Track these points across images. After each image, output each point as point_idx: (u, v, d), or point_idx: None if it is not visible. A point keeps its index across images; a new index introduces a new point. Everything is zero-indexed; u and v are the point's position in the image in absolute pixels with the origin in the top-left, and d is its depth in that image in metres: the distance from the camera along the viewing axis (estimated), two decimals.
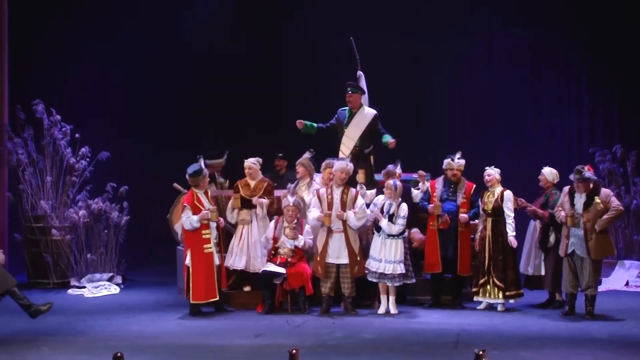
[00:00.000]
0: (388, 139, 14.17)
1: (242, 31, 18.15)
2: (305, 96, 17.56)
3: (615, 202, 12.81)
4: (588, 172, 12.79)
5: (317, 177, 14.11)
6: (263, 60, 18.19)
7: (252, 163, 13.88)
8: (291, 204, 13.36)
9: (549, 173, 13.65)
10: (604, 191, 12.94)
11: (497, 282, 13.27)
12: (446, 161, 13.62)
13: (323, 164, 13.86)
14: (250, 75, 18.09)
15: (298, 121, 14.36)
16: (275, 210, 13.91)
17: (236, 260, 13.75)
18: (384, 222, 13.06)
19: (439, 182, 13.70)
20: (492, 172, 13.41)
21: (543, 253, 13.55)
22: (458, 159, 13.57)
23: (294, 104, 17.33)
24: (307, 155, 14.09)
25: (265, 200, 13.73)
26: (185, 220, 13.09)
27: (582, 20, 17.14)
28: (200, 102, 17.90)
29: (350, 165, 13.43)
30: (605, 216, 12.69)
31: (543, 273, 13.62)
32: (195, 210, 13.10)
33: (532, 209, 13.50)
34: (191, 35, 17.94)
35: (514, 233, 13.20)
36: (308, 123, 14.36)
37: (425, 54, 17.51)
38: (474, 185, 13.61)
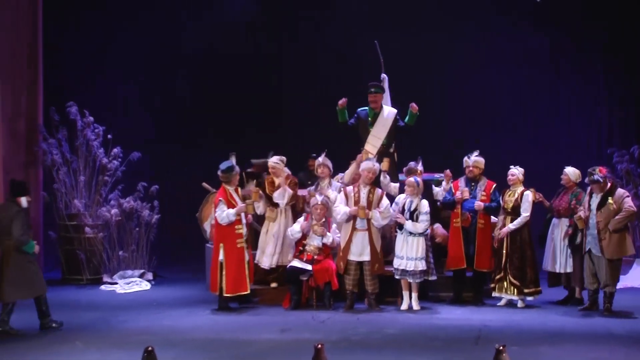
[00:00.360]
0: (408, 115, 14.17)
1: (261, 31, 18.05)
2: (305, 96, 17.45)
3: (628, 202, 12.76)
4: (598, 174, 12.76)
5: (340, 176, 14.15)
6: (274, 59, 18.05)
7: (274, 162, 13.88)
8: (319, 203, 13.38)
9: (572, 173, 13.57)
10: (619, 192, 12.90)
11: (512, 280, 13.25)
12: (464, 159, 13.64)
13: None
14: (271, 75, 18.00)
15: (344, 99, 14.27)
16: (300, 209, 13.92)
17: (263, 257, 13.84)
18: (409, 225, 13.05)
19: (461, 182, 13.73)
20: (516, 172, 13.40)
21: (571, 250, 13.42)
22: (475, 156, 13.58)
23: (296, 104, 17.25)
24: (324, 155, 14.05)
25: (289, 190, 13.71)
26: (221, 213, 13.08)
27: (599, 21, 17.03)
28: (229, 104, 17.87)
29: (377, 165, 13.46)
30: (617, 216, 12.66)
31: (569, 270, 13.52)
32: (228, 205, 13.12)
33: (573, 203, 13.36)
34: (223, 36, 17.88)
35: (514, 227, 13.21)
36: (344, 109, 14.30)
37: (448, 56, 17.43)
38: (495, 184, 13.58)
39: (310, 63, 17.59)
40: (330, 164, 13.98)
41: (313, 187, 13.90)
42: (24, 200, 12.01)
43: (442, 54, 17.40)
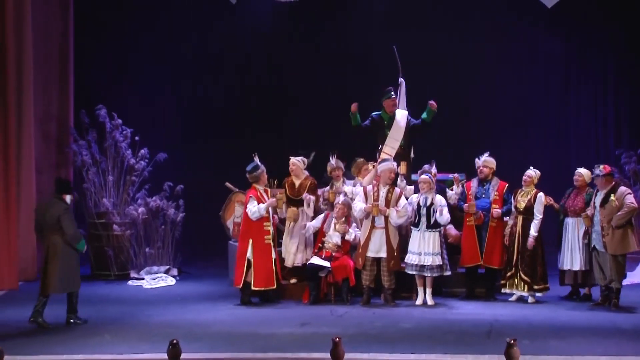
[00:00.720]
0: (426, 111, 14.21)
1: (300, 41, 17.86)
2: (319, 100, 17.28)
3: (629, 199, 12.73)
4: (601, 169, 12.85)
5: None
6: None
7: (296, 160, 13.92)
8: (341, 203, 13.45)
9: (586, 174, 13.49)
10: (621, 189, 12.88)
11: (524, 277, 13.25)
12: (475, 160, 13.67)
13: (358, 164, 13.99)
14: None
15: (355, 104, 14.34)
16: (319, 207, 13.96)
17: (288, 256, 13.85)
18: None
19: (474, 182, 13.75)
20: (533, 174, 13.39)
21: (590, 249, 13.34)
22: (487, 157, 13.61)
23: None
24: (335, 157, 14.09)
25: (313, 197, 13.81)
26: (252, 208, 13.13)
27: (609, 27, 16.94)
28: (250, 107, 17.87)
29: (396, 165, 13.51)
30: (619, 213, 12.65)
31: (585, 268, 13.46)
32: (259, 202, 13.19)
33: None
34: (240, 45, 17.84)
35: (536, 234, 13.18)
36: (357, 112, 14.36)
37: (463, 61, 17.33)
38: (507, 184, 13.60)
39: (325, 68, 17.49)
40: (342, 165, 14.05)
41: (328, 188, 13.98)
42: (68, 198, 12.22)
43: (451, 56, 17.27)
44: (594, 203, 12.93)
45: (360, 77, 16.62)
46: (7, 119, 14.68)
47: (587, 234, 13.22)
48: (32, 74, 15.38)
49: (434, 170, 13.71)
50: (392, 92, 14.31)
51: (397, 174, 13.64)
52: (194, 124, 17.84)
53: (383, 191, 13.36)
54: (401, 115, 14.29)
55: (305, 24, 17.47)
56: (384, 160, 13.66)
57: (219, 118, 17.83)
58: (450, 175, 14.13)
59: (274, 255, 13.34)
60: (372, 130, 14.38)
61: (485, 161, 13.64)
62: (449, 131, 16.73)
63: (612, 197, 12.76)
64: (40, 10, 15.81)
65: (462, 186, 13.77)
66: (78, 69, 16.45)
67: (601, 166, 12.96)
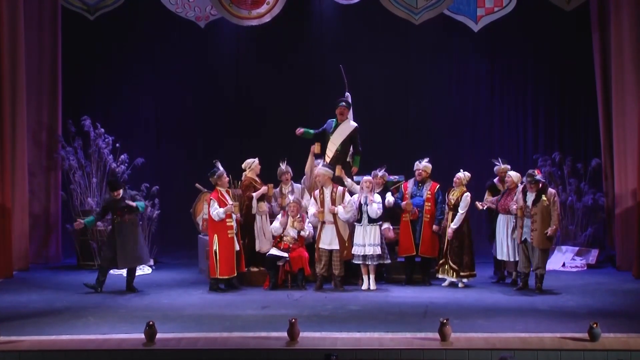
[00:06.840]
0: (355, 160, 14.33)
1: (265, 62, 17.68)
2: (280, 111, 17.19)
3: (557, 204, 12.88)
4: (538, 175, 12.95)
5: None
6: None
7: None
8: (292, 202, 13.47)
9: (515, 176, 13.55)
10: (550, 191, 13.01)
11: (452, 264, 13.34)
12: (415, 163, 13.73)
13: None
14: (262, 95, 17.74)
15: (298, 130, 14.36)
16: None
17: (263, 243, 13.79)
18: (371, 209, 13.08)
19: (410, 182, 13.81)
20: (462, 176, 13.47)
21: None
22: (425, 162, 13.68)
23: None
24: (285, 163, 14.13)
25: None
26: (213, 211, 13.10)
27: (531, 52, 17.08)
28: (216, 118, 17.75)
29: (329, 169, 13.54)
30: (550, 229, 12.78)
31: (512, 259, 13.53)
32: (220, 204, 13.14)
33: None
34: (215, 61, 17.68)
35: (455, 227, 13.25)
36: (305, 130, 14.38)
37: (403, 78, 17.34)
38: (438, 185, 13.70)
39: (286, 84, 17.41)
40: (290, 170, 14.11)
41: (277, 189, 14.01)
42: (118, 193, 13.19)
43: (395, 74, 17.22)
44: (525, 202, 13.01)
45: (320, 91, 16.47)
46: (3, 128, 14.56)
47: (514, 229, 13.28)
48: (25, 88, 15.27)
49: (381, 173, 13.78)
50: (342, 102, 14.33)
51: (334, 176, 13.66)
52: (168, 133, 17.71)
53: (327, 192, 13.40)
54: (351, 124, 14.32)
55: (270, 45, 17.37)
56: (322, 165, 13.68)
57: (189, 128, 17.70)
58: (391, 177, 14.13)
59: (237, 248, 13.31)
60: (323, 134, 14.38)
61: (425, 166, 13.69)
62: (393, 139, 16.77)
63: (544, 197, 12.90)
64: (32, 33, 15.66)
65: (400, 188, 13.84)
66: (66, 84, 16.29)
67: (535, 171, 13.12)
